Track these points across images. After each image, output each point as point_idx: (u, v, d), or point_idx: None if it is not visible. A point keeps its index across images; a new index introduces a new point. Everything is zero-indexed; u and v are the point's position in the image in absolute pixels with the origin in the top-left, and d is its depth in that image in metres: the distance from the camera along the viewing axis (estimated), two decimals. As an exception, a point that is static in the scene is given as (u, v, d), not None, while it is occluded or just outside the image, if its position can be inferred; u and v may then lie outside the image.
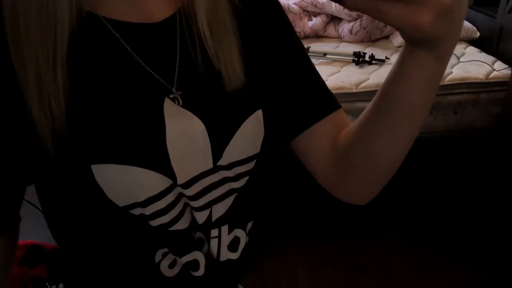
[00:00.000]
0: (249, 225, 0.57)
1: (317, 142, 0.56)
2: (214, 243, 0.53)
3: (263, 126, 0.53)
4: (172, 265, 0.51)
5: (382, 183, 0.55)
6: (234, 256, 0.55)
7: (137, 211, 0.48)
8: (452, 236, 2.31)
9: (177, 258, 0.51)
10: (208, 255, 0.53)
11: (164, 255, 0.51)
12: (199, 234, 0.52)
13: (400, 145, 0.48)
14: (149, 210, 0.48)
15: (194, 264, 0.51)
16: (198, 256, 0.52)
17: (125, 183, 0.46)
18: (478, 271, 2.14)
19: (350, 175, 0.54)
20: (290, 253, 2.25)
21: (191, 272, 0.52)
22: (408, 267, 2.19)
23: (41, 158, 0.46)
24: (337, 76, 2.11)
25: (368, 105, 0.48)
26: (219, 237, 0.53)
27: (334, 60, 2.24)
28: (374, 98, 0.47)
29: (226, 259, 0.54)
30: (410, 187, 2.30)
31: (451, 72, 2.08)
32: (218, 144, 0.50)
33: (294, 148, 0.58)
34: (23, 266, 1.16)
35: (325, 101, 0.57)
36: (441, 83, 2.02)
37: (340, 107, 0.58)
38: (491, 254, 2.21)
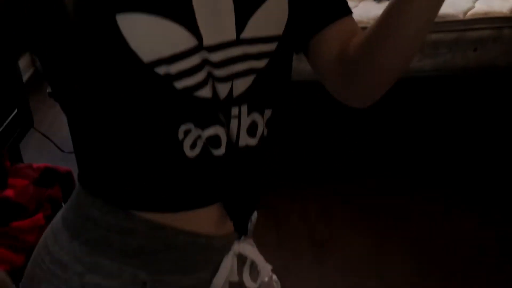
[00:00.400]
0: (267, 113, 0.57)
1: (328, 45, 0.58)
2: (234, 124, 0.53)
3: (287, 10, 0.54)
4: (194, 145, 0.51)
5: (386, 88, 0.58)
6: (253, 142, 0.55)
7: (162, 70, 0.48)
8: (469, 177, 2.31)
9: (200, 133, 0.51)
10: (228, 137, 0.54)
11: (186, 134, 0.51)
12: (220, 114, 0.53)
13: (406, 51, 0.52)
14: (174, 68, 0.48)
15: (216, 140, 0.52)
16: (220, 131, 0.52)
17: (151, 35, 0.47)
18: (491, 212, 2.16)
19: (356, 79, 0.58)
20: (302, 192, 2.31)
21: (212, 150, 0.52)
22: (421, 206, 2.22)
23: (61, 16, 0.45)
24: (354, 11, 2.05)
25: (378, 17, 0.52)
26: (239, 117, 0.54)
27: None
28: (384, 9, 0.51)
29: (245, 144, 0.55)
30: (426, 125, 2.27)
31: (473, 7, 1.99)
32: (242, 13, 0.52)
33: (305, 51, 0.60)
34: (38, 187, 1.23)
35: (339, 4, 0.60)
36: (462, 18, 1.95)
37: (351, 12, 0.60)
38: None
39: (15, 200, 1.18)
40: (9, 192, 1.21)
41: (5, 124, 1.64)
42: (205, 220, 0.58)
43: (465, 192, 2.27)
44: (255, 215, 0.71)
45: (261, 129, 0.57)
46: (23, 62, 2.99)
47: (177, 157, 0.51)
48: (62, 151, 1.97)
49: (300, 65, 1.92)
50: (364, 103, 0.62)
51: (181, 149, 0.51)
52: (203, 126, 0.51)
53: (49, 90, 1.81)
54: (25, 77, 2.90)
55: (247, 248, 0.64)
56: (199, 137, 0.52)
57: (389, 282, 1.81)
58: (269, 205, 2.12)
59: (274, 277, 0.80)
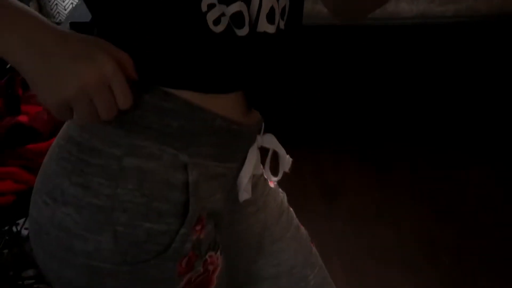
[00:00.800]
0: (282, 1, 0.56)
1: None
2: (254, 4, 0.52)
3: None
4: (218, 21, 0.50)
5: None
6: (271, 29, 0.54)
7: None
8: (479, 127, 2.28)
9: (224, 9, 0.50)
10: (249, 18, 0.53)
11: (210, 7, 0.49)
12: None
13: None
14: None
15: (239, 18, 0.51)
16: (244, 8, 0.51)
17: None
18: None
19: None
20: (315, 144, 2.29)
21: (235, 30, 0.51)
22: (435, 156, 2.20)
23: None
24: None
25: None
26: None
27: None
28: None
29: (263, 30, 0.54)
30: (443, 75, 2.23)
31: None
32: None
33: None
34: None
35: None
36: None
37: None
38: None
39: (29, 125, 1.15)
40: (22, 118, 1.18)
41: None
42: (234, 107, 0.57)
43: (476, 140, 2.25)
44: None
45: (277, 17, 0.55)
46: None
47: (202, 29, 0.50)
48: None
49: (316, 7, 1.85)
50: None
51: (204, 21, 0.49)
52: (227, 1, 0.50)
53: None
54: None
55: (269, 139, 0.65)
56: (223, 14, 0.50)
57: (404, 231, 1.81)
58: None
59: (280, 190, 0.82)
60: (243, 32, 0.51)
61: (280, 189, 0.81)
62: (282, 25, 0.57)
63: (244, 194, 0.64)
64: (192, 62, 0.52)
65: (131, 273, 0.54)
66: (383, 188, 2.00)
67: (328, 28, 2.01)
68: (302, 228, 0.82)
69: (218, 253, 0.61)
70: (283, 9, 0.57)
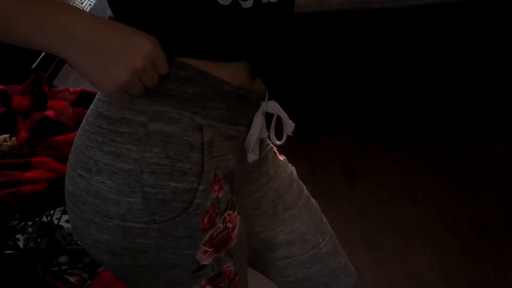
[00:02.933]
0: None
1: None
2: None
3: None
4: None
5: None
6: None
7: None
8: (500, 102, 2.25)
9: None
10: None
11: None
12: None
13: None
14: None
15: None
16: None
17: None
18: None
19: None
20: (334, 123, 2.31)
21: (241, 2, 0.56)
22: (455, 132, 2.20)
23: None
24: None
25: None
26: None
27: None
28: None
29: (267, 1, 0.59)
30: (460, 51, 2.21)
31: None
32: None
33: None
34: (77, 107, 1.27)
35: None
36: None
37: None
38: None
39: (56, 118, 1.22)
40: (49, 113, 1.25)
41: (40, 57, 1.67)
42: (239, 74, 0.62)
43: (497, 113, 2.23)
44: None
45: None
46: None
47: (210, 3, 0.55)
48: (96, 87, 2.00)
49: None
50: None
51: None
52: None
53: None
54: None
55: (273, 105, 0.70)
56: None
57: (425, 207, 1.82)
58: (300, 135, 2.13)
59: (290, 164, 0.87)
60: (248, 4, 0.56)
61: (288, 163, 0.86)
62: None
63: (252, 155, 0.69)
64: (201, 32, 0.57)
65: (160, 231, 0.59)
66: (404, 166, 2.02)
67: (351, 12, 2.04)
68: (312, 199, 0.87)
69: (236, 212, 0.67)
70: None
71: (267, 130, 0.72)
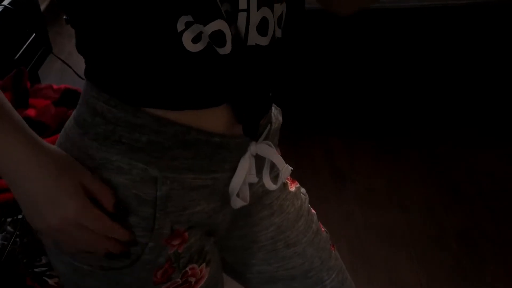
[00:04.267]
0: (277, 9, 0.53)
1: None
2: (242, 18, 0.49)
3: None
4: (196, 39, 0.47)
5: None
6: (264, 41, 0.51)
7: None
8: (491, 110, 2.24)
9: (202, 28, 0.47)
10: (236, 34, 0.49)
11: (188, 25, 0.47)
12: (226, 6, 0.48)
13: None
14: None
15: (220, 37, 0.47)
16: (223, 26, 0.47)
17: None
18: None
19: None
20: (324, 127, 2.28)
21: (216, 48, 0.48)
22: (445, 140, 2.19)
23: None
24: None
25: None
26: (247, 11, 0.49)
27: None
28: None
29: (254, 43, 0.51)
30: (452, 56, 2.19)
31: None
32: None
33: None
34: (60, 107, 1.23)
35: None
36: None
37: None
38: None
39: (37, 119, 1.18)
40: (30, 112, 1.21)
41: (24, 47, 1.62)
42: (217, 120, 0.55)
43: (487, 122, 2.22)
44: (278, 119, 0.68)
45: (272, 27, 0.52)
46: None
47: (177, 50, 0.47)
48: (82, 78, 1.95)
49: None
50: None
51: (179, 41, 0.47)
52: (204, 20, 0.46)
53: (65, 16, 1.77)
54: (42, 7, 2.85)
55: (264, 148, 0.61)
56: (202, 32, 0.48)
57: (411, 214, 1.81)
58: (290, 137, 2.11)
59: (303, 190, 0.80)
60: (225, 50, 0.49)
61: (303, 191, 0.79)
62: (279, 34, 0.54)
63: (237, 201, 0.61)
64: (165, 81, 0.50)
65: (107, 277, 0.56)
66: (393, 172, 2.00)
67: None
68: (323, 232, 0.80)
69: (203, 265, 0.61)
70: (280, 17, 0.54)
71: (257, 173, 0.63)
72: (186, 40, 0.47)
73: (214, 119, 0.55)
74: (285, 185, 0.75)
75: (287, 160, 0.67)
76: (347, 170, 2.02)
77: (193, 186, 0.57)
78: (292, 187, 0.76)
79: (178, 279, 0.59)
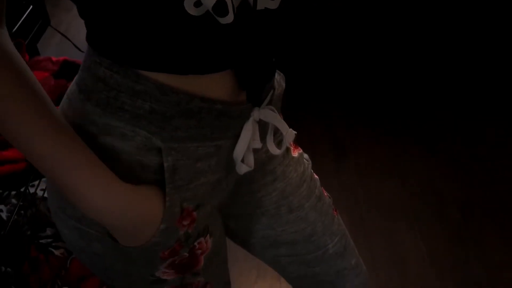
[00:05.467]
0: None
1: None
2: None
3: None
4: (198, 4, 0.45)
5: None
6: (273, 4, 0.49)
7: None
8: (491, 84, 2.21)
9: None
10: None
11: None
12: None
13: None
14: None
15: (221, 6, 0.45)
16: None
17: None
18: None
19: None
20: (324, 99, 2.27)
21: (218, 18, 0.45)
22: (445, 113, 2.18)
23: None
24: None
25: None
26: None
27: None
28: None
29: (264, 7, 0.48)
30: (453, 35, 2.16)
31: None
32: None
33: None
34: (59, 79, 1.22)
35: None
36: None
37: None
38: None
39: (36, 91, 1.17)
40: (30, 84, 1.20)
41: (21, 20, 1.60)
42: (220, 87, 0.54)
43: (486, 92, 2.21)
44: (281, 85, 0.68)
45: None
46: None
47: (178, 12, 0.45)
48: (81, 51, 1.94)
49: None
50: None
51: (181, 4, 0.45)
52: None
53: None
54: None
55: (268, 113, 0.60)
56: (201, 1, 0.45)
57: (410, 185, 1.82)
58: (290, 109, 2.10)
59: (305, 155, 0.81)
60: (226, 20, 0.46)
61: (305, 157, 0.79)
62: None
63: (242, 166, 0.61)
64: (166, 44, 0.49)
65: (114, 245, 0.56)
66: (392, 144, 2.00)
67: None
68: (325, 197, 0.81)
69: (207, 236, 0.62)
70: None
71: (261, 139, 0.63)
72: (188, 3, 0.45)
73: (217, 86, 0.54)
74: (287, 151, 0.75)
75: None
76: (346, 143, 2.02)
77: (198, 155, 0.56)
78: (295, 153, 0.76)
79: (186, 253, 0.60)
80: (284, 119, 0.66)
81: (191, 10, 0.45)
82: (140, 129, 0.52)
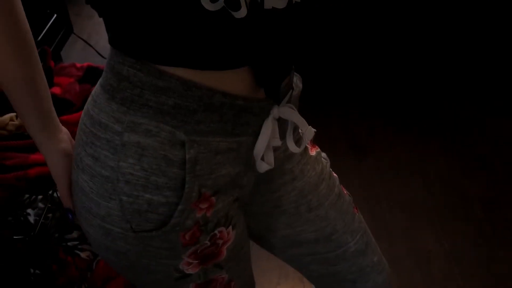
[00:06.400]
0: None
1: None
2: None
3: None
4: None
5: None
6: (280, 4, 0.50)
7: None
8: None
9: None
10: None
11: None
12: None
13: None
14: None
15: (234, 0, 0.47)
16: None
17: None
18: None
19: None
20: (342, 98, 2.27)
21: (231, 12, 0.48)
22: (466, 108, 2.16)
23: None
24: None
25: None
26: None
27: None
28: None
29: (271, 6, 0.50)
30: (465, 25, 2.14)
31: None
32: None
33: None
34: (84, 84, 1.25)
35: None
36: None
37: None
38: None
39: (62, 97, 1.21)
40: (55, 90, 1.24)
41: (46, 28, 1.65)
42: (239, 82, 0.56)
43: (509, 88, 2.18)
44: (298, 86, 0.69)
45: None
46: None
47: (195, 7, 0.47)
48: (103, 57, 1.98)
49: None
50: None
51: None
52: None
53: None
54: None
55: (287, 111, 0.61)
56: None
57: (432, 183, 1.80)
58: (308, 109, 2.10)
59: (323, 154, 0.81)
60: (240, 14, 0.48)
61: (323, 156, 0.80)
62: None
63: (263, 165, 0.63)
64: (186, 39, 0.50)
65: (138, 239, 0.58)
66: (413, 143, 1.99)
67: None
68: (345, 195, 0.81)
69: (230, 228, 0.63)
70: None
71: (282, 137, 0.64)
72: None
73: (237, 82, 0.56)
74: (305, 150, 0.75)
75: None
76: (366, 142, 2.02)
77: (219, 149, 0.58)
78: (313, 152, 0.77)
79: (207, 241, 0.61)
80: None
81: (208, 5, 0.47)
82: (164, 125, 0.54)
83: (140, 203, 0.56)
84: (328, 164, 0.80)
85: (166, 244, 0.59)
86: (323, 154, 0.81)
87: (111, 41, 0.56)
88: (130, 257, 0.61)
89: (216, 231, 0.61)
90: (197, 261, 0.61)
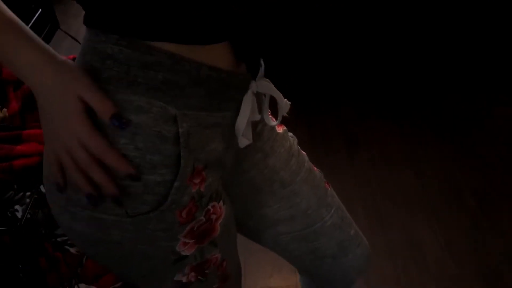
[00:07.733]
0: None
1: None
2: None
3: None
4: None
5: None
6: None
7: None
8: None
9: None
10: None
11: None
12: None
13: None
14: None
15: None
16: None
17: None
18: None
19: None
20: (335, 92, 2.26)
21: None
22: (460, 101, 2.16)
23: None
24: None
25: None
26: None
27: None
28: None
29: None
30: (461, 18, 2.14)
31: None
32: None
33: None
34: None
35: None
36: None
37: None
38: None
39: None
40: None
41: (31, 23, 1.62)
42: (222, 56, 0.57)
43: (503, 81, 2.18)
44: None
45: None
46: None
47: None
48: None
49: None
50: None
51: None
52: None
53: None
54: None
55: (264, 84, 0.64)
56: None
57: (425, 174, 1.80)
58: (300, 102, 2.09)
59: (290, 133, 0.83)
60: None
61: (290, 134, 0.82)
62: None
63: (243, 140, 0.64)
64: (172, 14, 0.50)
65: (133, 224, 0.56)
66: (406, 135, 1.99)
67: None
68: (315, 170, 0.82)
69: (221, 202, 0.63)
70: None
71: (259, 112, 0.66)
72: None
73: (221, 56, 0.56)
74: (273, 128, 0.77)
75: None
76: (359, 135, 2.01)
77: (207, 123, 0.58)
78: (280, 129, 0.78)
79: (202, 217, 0.60)
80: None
81: None
82: (155, 100, 0.53)
83: (136, 185, 0.54)
84: (296, 141, 0.82)
85: (163, 225, 0.58)
86: (290, 133, 0.82)
87: (89, 22, 0.54)
88: (126, 245, 0.59)
89: (209, 206, 0.61)
90: (193, 241, 0.61)
